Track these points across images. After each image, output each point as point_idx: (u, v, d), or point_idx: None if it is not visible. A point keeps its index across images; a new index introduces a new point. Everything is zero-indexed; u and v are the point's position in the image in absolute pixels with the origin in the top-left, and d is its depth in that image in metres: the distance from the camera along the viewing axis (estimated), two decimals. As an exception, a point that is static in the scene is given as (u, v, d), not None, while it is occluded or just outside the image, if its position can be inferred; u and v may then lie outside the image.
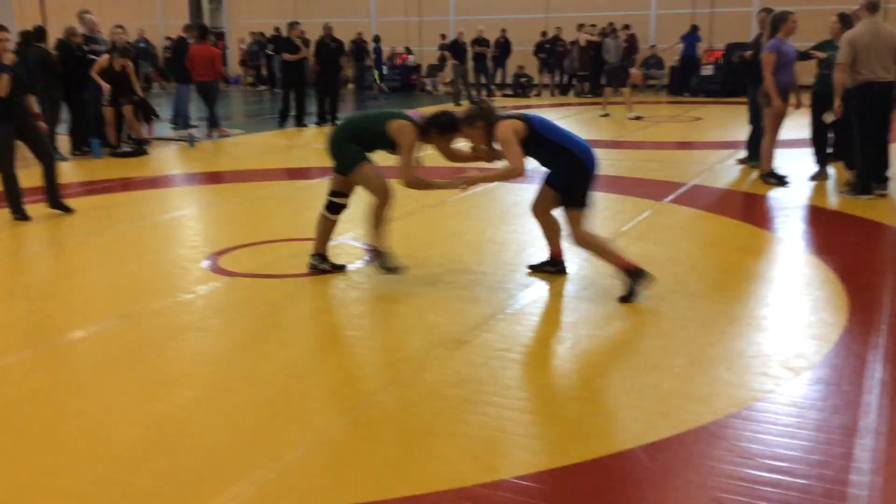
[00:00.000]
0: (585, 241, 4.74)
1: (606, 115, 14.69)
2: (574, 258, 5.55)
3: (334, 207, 5.19)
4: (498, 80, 20.72)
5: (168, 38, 14.44)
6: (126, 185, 8.51)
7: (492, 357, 3.90)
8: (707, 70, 19.09)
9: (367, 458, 2.98)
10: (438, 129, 4.86)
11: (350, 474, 2.87)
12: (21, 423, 3.30)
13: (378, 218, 5.03)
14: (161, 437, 3.15)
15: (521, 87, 20.36)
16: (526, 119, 4.66)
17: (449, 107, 17.33)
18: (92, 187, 8.63)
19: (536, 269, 5.22)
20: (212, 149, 11.72)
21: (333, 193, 5.18)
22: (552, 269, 5.17)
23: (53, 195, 7.21)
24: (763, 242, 6.11)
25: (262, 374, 3.78)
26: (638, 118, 14.21)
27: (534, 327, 4.32)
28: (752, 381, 3.57)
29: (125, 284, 5.28)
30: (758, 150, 9.20)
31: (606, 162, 9.83)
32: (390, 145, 4.92)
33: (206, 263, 5.61)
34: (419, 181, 4.96)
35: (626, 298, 4.60)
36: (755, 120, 9.09)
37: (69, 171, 9.84)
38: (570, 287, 4.98)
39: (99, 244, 6.38)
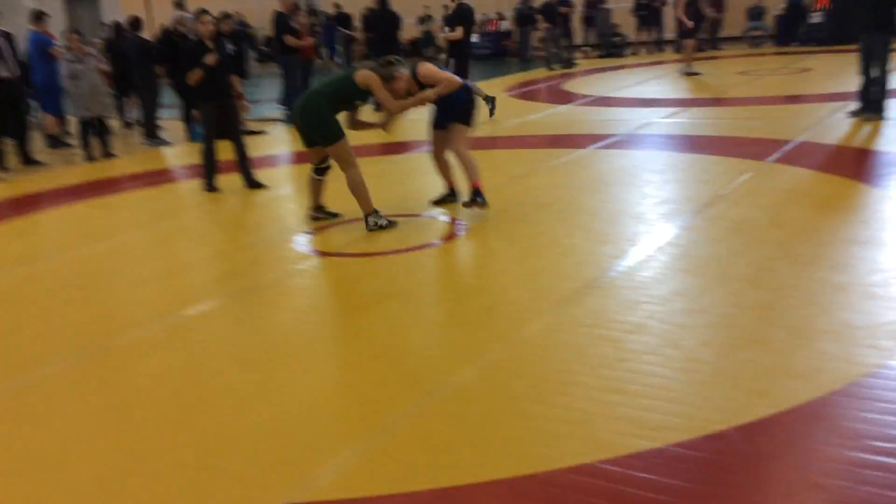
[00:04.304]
0: (462, 152, 5.76)
1: (697, 73, 13.98)
2: (664, 226, 5.34)
3: (322, 171, 5.99)
4: (591, 41, 20.19)
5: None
6: (227, 167, 8.69)
7: (577, 334, 3.79)
8: (816, 17, 18.01)
9: (448, 440, 2.95)
10: (386, 77, 5.60)
11: (430, 457, 2.85)
12: (139, 398, 3.45)
13: (362, 185, 5.71)
14: (253, 419, 3.22)
15: (615, 46, 19.73)
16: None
17: (542, 71, 17.11)
18: (190, 171, 8.93)
19: (439, 203, 6.19)
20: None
21: (318, 168, 5.96)
22: (452, 198, 6.17)
23: (247, 175, 7.60)
24: (877, 203, 5.70)
25: (344, 353, 3.81)
26: (696, 74, 13.79)
27: (623, 300, 4.16)
28: (859, 355, 3.34)
29: (224, 263, 5.44)
30: (870, 100, 8.63)
31: (705, 121, 9.45)
32: (361, 96, 5.70)
33: (298, 241, 5.70)
34: (401, 105, 5.70)
35: (467, 203, 5.78)
36: (867, 69, 8.49)
37: (176, 154, 10.22)
38: (663, 257, 4.79)
39: (203, 221, 6.59)
